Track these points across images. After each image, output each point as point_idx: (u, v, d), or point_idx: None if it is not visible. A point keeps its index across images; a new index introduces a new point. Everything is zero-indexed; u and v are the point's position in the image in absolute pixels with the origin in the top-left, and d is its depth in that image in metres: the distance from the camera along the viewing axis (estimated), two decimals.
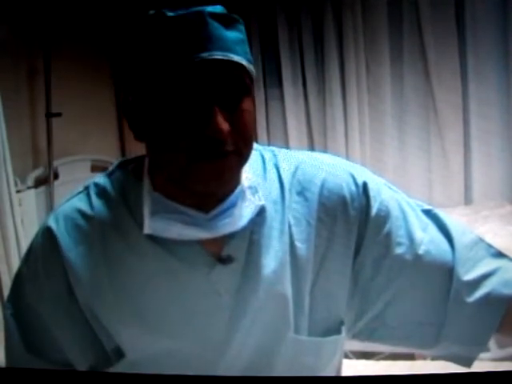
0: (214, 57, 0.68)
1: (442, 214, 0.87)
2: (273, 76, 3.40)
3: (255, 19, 3.34)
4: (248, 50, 0.74)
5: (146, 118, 0.73)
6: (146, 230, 0.76)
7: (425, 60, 3.18)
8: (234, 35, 0.71)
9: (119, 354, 0.79)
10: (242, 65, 0.71)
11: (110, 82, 3.27)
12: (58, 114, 2.64)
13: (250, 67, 0.73)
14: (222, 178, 0.73)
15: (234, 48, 0.70)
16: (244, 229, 0.78)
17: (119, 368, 0.78)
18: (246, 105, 0.73)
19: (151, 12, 0.71)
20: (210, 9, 0.70)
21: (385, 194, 0.84)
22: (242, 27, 0.73)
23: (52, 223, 0.79)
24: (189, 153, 0.70)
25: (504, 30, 3.02)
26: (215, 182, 0.72)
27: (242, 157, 0.74)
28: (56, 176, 2.70)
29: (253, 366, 0.79)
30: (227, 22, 0.71)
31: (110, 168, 0.85)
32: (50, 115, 2.62)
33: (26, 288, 0.80)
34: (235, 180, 0.77)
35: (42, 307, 0.79)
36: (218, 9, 0.72)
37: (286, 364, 0.80)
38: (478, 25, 3.04)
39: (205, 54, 0.68)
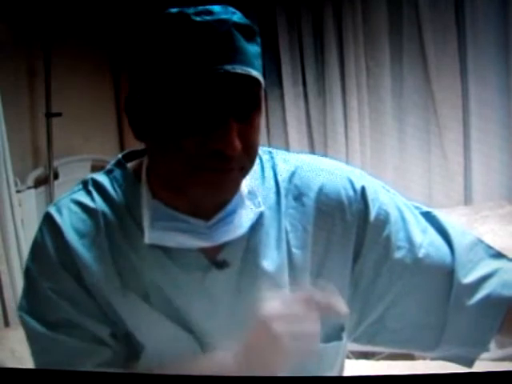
0: (236, 70, 0.68)
1: (440, 215, 0.86)
2: (273, 76, 3.40)
3: (255, 19, 3.33)
4: (261, 63, 0.73)
5: (153, 119, 0.72)
6: (147, 240, 0.76)
7: (425, 60, 3.18)
8: (254, 49, 0.71)
9: (130, 337, 0.78)
10: (258, 80, 0.71)
11: (110, 82, 3.27)
12: (58, 114, 2.64)
13: (263, 82, 0.73)
14: (222, 190, 0.73)
15: (254, 62, 0.70)
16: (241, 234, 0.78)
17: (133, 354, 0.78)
18: (257, 121, 0.73)
19: (173, 11, 0.70)
20: (235, 18, 0.70)
21: (383, 197, 0.84)
22: (259, 39, 0.73)
23: (54, 214, 0.79)
24: (194, 161, 0.70)
25: (504, 31, 3.02)
26: (216, 192, 0.73)
27: (245, 172, 0.75)
28: (56, 176, 2.70)
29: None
30: (249, 34, 0.71)
31: (109, 165, 0.84)
32: (49, 115, 2.62)
33: (41, 282, 0.79)
34: (235, 190, 0.77)
35: (60, 297, 0.78)
36: (242, 19, 0.71)
37: (287, 370, 0.79)
38: (478, 25, 3.04)
39: (228, 67, 0.67)
